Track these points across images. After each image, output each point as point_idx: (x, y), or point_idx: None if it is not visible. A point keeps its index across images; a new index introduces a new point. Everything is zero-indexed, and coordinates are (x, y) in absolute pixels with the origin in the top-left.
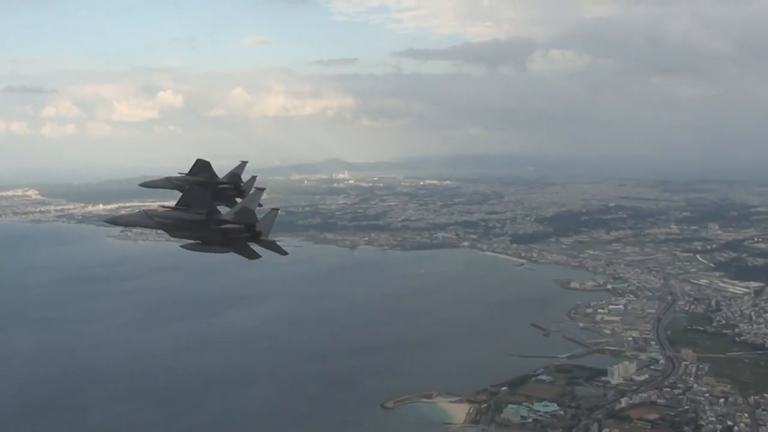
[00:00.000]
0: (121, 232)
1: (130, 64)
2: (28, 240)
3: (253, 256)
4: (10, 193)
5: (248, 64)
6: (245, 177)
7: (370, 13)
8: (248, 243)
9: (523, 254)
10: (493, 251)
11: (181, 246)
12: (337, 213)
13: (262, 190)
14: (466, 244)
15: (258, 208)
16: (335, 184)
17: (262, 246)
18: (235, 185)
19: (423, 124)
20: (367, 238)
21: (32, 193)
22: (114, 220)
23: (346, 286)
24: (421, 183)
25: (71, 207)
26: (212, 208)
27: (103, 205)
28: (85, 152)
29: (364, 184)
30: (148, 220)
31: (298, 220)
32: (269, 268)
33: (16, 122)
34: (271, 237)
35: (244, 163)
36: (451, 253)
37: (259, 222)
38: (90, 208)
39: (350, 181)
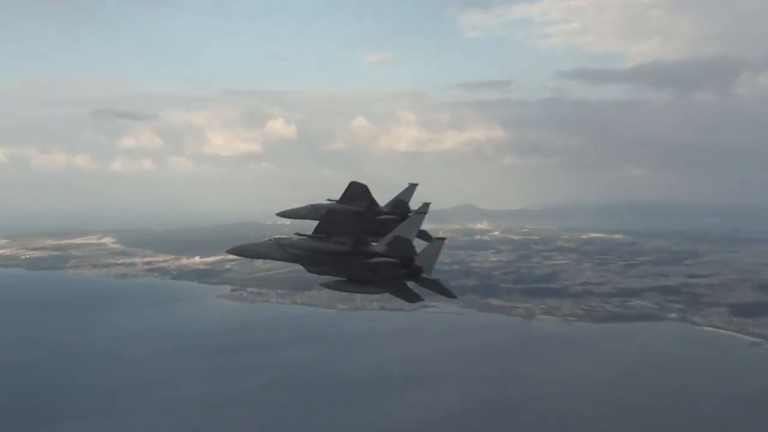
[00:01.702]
0: (233, 291)
1: (228, 87)
2: (118, 299)
3: (413, 298)
4: (80, 240)
5: (370, 87)
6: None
7: (509, 27)
8: (406, 281)
9: (751, 330)
10: (712, 326)
11: (321, 284)
12: (494, 273)
13: (423, 214)
14: (673, 316)
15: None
16: (477, 237)
17: (423, 286)
18: (400, 215)
19: (577, 163)
20: (544, 306)
21: (108, 241)
22: (240, 251)
23: (534, 366)
24: (584, 236)
25: (161, 259)
26: (359, 236)
27: (201, 257)
28: (162, 192)
29: (514, 237)
30: (279, 251)
31: (448, 279)
32: (432, 340)
33: (80, 155)
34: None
35: (412, 186)
36: (655, 327)
37: (418, 255)
38: (185, 260)
39: (495, 233)
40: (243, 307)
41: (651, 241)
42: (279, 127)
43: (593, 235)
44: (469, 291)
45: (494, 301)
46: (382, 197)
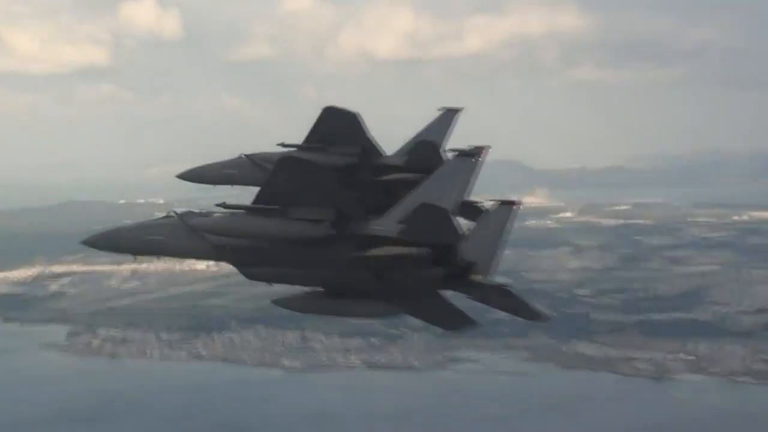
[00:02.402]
0: (72, 335)
1: None
2: None
3: (459, 321)
4: None
5: None
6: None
7: None
8: (439, 290)
9: None
10: None
11: (275, 302)
12: (578, 293)
13: (473, 158)
14: None
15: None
16: (532, 221)
17: (475, 299)
18: (425, 170)
19: (720, 77)
20: (687, 356)
21: None
22: (108, 242)
23: None
24: (743, 217)
25: None
26: (347, 206)
27: (6, 271)
28: None
29: (606, 221)
30: (189, 239)
31: (490, 308)
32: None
33: None
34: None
35: (450, 114)
36: None
37: (466, 238)
38: None
39: (566, 214)
40: (95, 368)
41: None
42: (145, 15)
43: (759, 214)
44: (533, 328)
45: (586, 347)
46: None
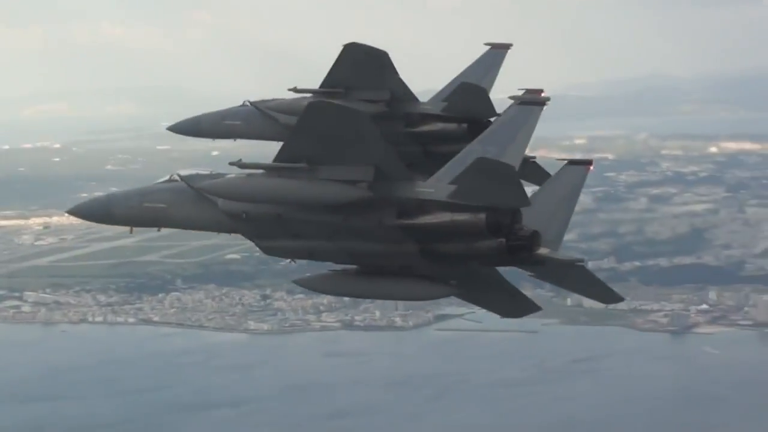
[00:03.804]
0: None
1: None
2: None
3: (520, 306)
4: None
5: None
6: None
7: None
8: (496, 266)
9: None
10: None
11: (297, 282)
12: (566, 239)
13: (537, 106)
14: None
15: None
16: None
17: (540, 276)
18: (468, 120)
19: None
20: (699, 303)
21: None
22: (94, 210)
23: None
24: (714, 149)
25: None
26: (385, 164)
27: None
28: None
29: (561, 156)
30: (195, 206)
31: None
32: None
33: None
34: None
35: (498, 51)
36: None
37: (532, 204)
38: None
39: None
40: (29, 337)
41: None
42: None
43: (733, 144)
44: (524, 279)
45: (592, 301)
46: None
